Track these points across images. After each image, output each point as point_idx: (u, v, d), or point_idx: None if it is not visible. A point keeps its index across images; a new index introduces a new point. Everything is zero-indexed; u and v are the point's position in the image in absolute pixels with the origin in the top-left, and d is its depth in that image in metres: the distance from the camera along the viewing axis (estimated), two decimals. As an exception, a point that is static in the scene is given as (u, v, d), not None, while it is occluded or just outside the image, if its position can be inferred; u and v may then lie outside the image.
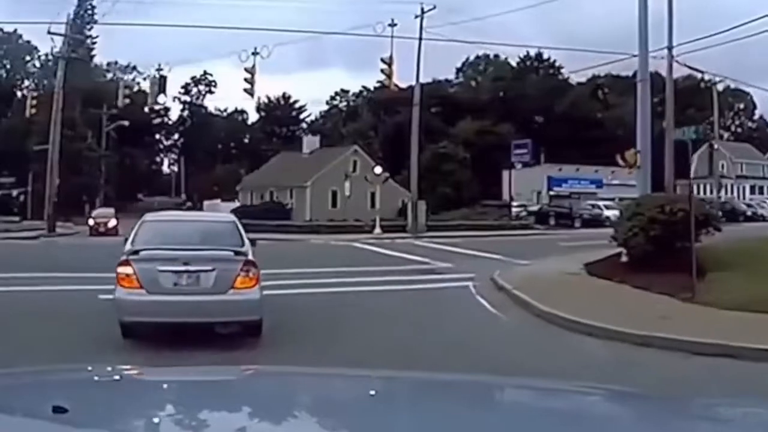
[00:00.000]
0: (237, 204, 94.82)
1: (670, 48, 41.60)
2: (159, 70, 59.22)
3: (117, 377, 4.74)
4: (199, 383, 4.74)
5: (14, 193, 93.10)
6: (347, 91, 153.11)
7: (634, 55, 35.23)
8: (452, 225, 71.24)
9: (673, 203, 27.77)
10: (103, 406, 3.80)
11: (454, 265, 37.09)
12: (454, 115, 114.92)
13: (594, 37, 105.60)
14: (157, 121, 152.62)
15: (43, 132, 75.21)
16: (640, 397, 4.74)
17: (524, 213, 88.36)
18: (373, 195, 74.30)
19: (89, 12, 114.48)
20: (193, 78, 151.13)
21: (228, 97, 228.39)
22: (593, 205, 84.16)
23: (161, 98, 62.02)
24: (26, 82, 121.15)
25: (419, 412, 3.99)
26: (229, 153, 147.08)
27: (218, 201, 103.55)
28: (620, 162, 36.51)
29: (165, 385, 4.63)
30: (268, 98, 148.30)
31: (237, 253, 16.90)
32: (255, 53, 53.79)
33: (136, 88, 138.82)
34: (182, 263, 16.41)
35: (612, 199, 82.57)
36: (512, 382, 5.93)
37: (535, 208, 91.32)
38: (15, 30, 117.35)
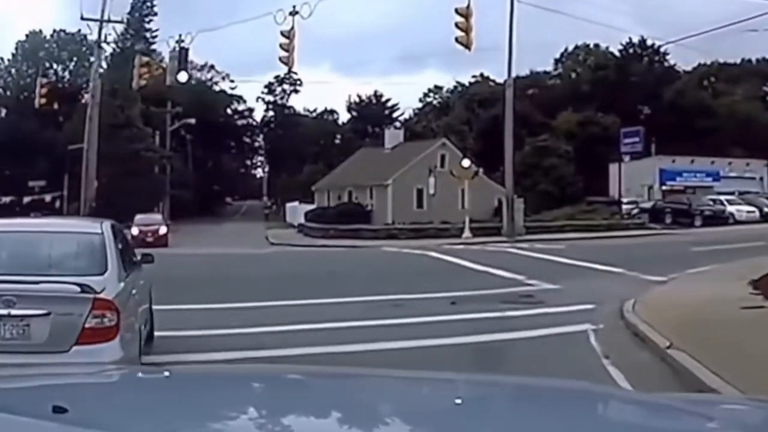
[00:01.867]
0: (313, 206, 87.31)
1: None
2: (180, 41, 48.03)
3: (117, 377, 4.74)
4: (200, 383, 4.44)
5: (48, 197, 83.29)
6: (440, 88, 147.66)
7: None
8: (555, 226, 63.40)
9: None
10: (103, 406, 3.66)
11: (561, 287, 26.55)
12: (554, 107, 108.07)
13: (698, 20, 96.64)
14: (242, 122, 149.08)
15: (104, 134, 67.69)
16: (640, 397, 4.70)
17: (636, 210, 79.68)
18: (462, 193, 65.90)
19: (148, 4, 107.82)
20: (276, 77, 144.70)
21: (319, 96, 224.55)
22: (714, 201, 76.52)
23: (182, 76, 49.51)
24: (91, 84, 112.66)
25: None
26: (318, 154, 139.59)
27: (297, 203, 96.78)
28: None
29: (165, 385, 4.31)
30: (359, 97, 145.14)
31: (83, 287, 10.78)
32: (293, 13, 42.28)
33: (216, 87, 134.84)
34: (4, 303, 10.64)
35: (731, 194, 79.70)
36: (510, 381, 5.41)
37: (647, 204, 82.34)
38: (78, 30, 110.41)
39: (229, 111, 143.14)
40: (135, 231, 58.30)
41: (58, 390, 3.90)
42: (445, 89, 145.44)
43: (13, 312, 10.75)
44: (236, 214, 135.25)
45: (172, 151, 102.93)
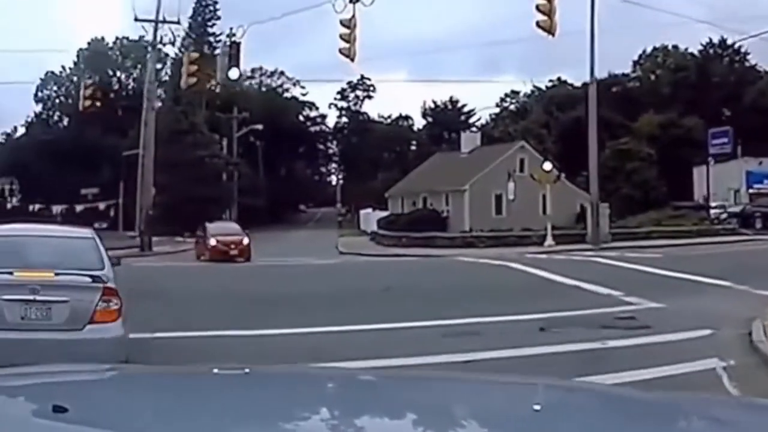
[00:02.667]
0: (386, 213, 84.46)
1: None
2: (231, 35, 44.33)
3: (117, 377, 4.65)
4: (201, 383, 4.41)
5: (102, 205, 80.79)
6: (517, 93, 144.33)
7: None
8: (641, 232, 59.99)
9: None
10: (103, 406, 3.66)
11: (665, 305, 22.51)
12: (634, 110, 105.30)
13: None
14: (315, 129, 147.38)
15: (166, 140, 66.06)
16: (640, 397, 4.36)
17: (725, 215, 75.84)
18: (543, 198, 62.34)
19: (211, 8, 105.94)
20: (349, 83, 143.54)
21: (393, 103, 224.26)
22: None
23: (234, 73, 45.17)
24: (159, 91, 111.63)
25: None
26: (393, 160, 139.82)
27: (370, 210, 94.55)
28: None
29: (166, 385, 4.28)
30: (434, 103, 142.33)
31: (94, 278, 13.53)
32: (354, 0, 38.14)
33: (287, 94, 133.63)
34: (31, 291, 13.06)
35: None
36: (510, 381, 5.26)
37: (736, 209, 78.53)
38: (142, 37, 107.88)
39: (300, 117, 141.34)
40: (213, 242, 51.54)
41: (58, 390, 3.87)
42: (521, 93, 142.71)
43: (38, 298, 13.08)
44: (309, 221, 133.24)
45: (240, 158, 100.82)
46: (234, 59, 44.71)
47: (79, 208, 77.13)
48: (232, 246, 51.35)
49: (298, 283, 32.91)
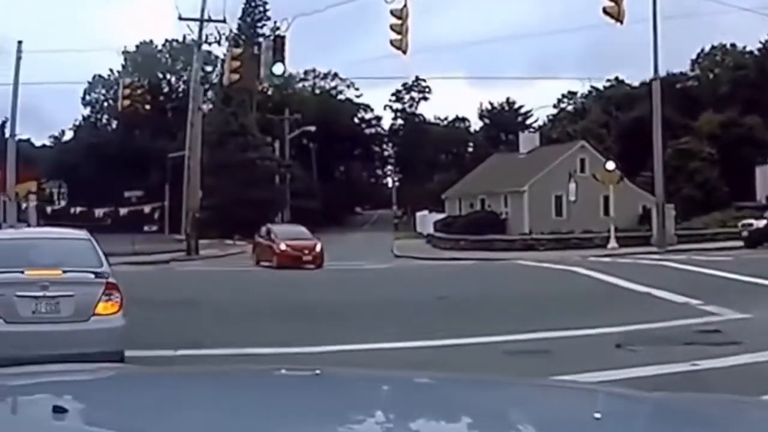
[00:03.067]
0: (443, 215, 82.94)
1: None
2: (275, 29, 41.96)
3: (117, 377, 4.57)
4: (201, 383, 4.38)
5: (147, 208, 79.35)
6: (575, 93, 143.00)
7: None
8: (707, 234, 58.82)
9: None
10: (103, 406, 3.65)
11: (752, 315, 20.30)
12: (694, 109, 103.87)
13: None
14: (370, 131, 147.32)
15: (215, 142, 62.99)
16: (640, 397, 4.26)
17: None
18: (606, 199, 61.86)
19: (261, 8, 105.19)
20: (404, 85, 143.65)
21: (449, 105, 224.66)
22: None
23: (278, 68, 42.06)
24: (209, 94, 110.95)
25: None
26: (450, 162, 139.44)
27: (426, 212, 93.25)
28: None
29: (166, 385, 4.23)
30: (491, 104, 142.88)
31: (97, 274, 14.76)
32: (406, -10, 35.84)
33: (341, 97, 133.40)
34: (41, 288, 14.20)
35: None
36: (510, 381, 5.50)
37: None
38: (174, 40, 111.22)
39: (355, 120, 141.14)
40: (283, 246, 46.97)
41: (58, 390, 3.84)
42: (578, 94, 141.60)
43: (48, 294, 14.08)
44: (365, 224, 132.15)
45: (292, 160, 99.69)
46: (278, 54, 41.60)
47: (122, 211, 75.89)
48: (306, 252, 46.58)
49: (345, 291, 30.88)
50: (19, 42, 51.20)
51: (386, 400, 3.99)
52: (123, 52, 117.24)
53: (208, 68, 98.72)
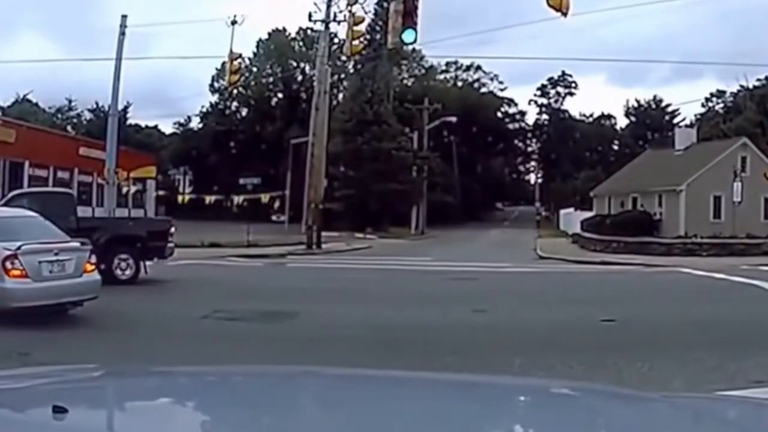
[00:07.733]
0: (589, 214, 75.80)
1: None
2: None
3: (117, 377, 4.54)
4: (201, 383, 4.33)
5: (265, 197, 74.24)
6: (723, 92, 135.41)
7: None
8: None
9: None
10: (103, 406, 3.69)
11: None
12: None
13: None
14: (513, 126, 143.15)
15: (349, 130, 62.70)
16: (640, 397, 4.29)
17: None
18: (766, 201, 58.99)
19: None
20: (550, 79, 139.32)
21: (594, 104, 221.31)
22: None
23: (409, 35, 33.60)
24: (344, 83, 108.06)
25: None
26: (596, 159, 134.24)
27: (572, 210, 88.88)
28: None
29: (166, 385, 4.22)
30: (638, 102, 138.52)
31: (83, 243, 18.95)
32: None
33: (483, 90, 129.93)
34: (54, 254, 18.04)
35: None
36: (512, 382, 5.40)
37: None
38: (309, 29, 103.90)
39: (498, 114, 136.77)
40: None
41: (58, 390, 3.84)
42: (728, 93, 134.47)
43: (59, 257, 18.10)
44: (506, 220, 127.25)
45: (431, 152, 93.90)
46: (408, 18, 33.30)
47: (237, 199, 71.74)
48: None
49: (473, 300, 22.84)
50: (124, 16, 46.19)
51: (385, 399, 3.72)
52: (257, 41, 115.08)
53: (343, 58, 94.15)
